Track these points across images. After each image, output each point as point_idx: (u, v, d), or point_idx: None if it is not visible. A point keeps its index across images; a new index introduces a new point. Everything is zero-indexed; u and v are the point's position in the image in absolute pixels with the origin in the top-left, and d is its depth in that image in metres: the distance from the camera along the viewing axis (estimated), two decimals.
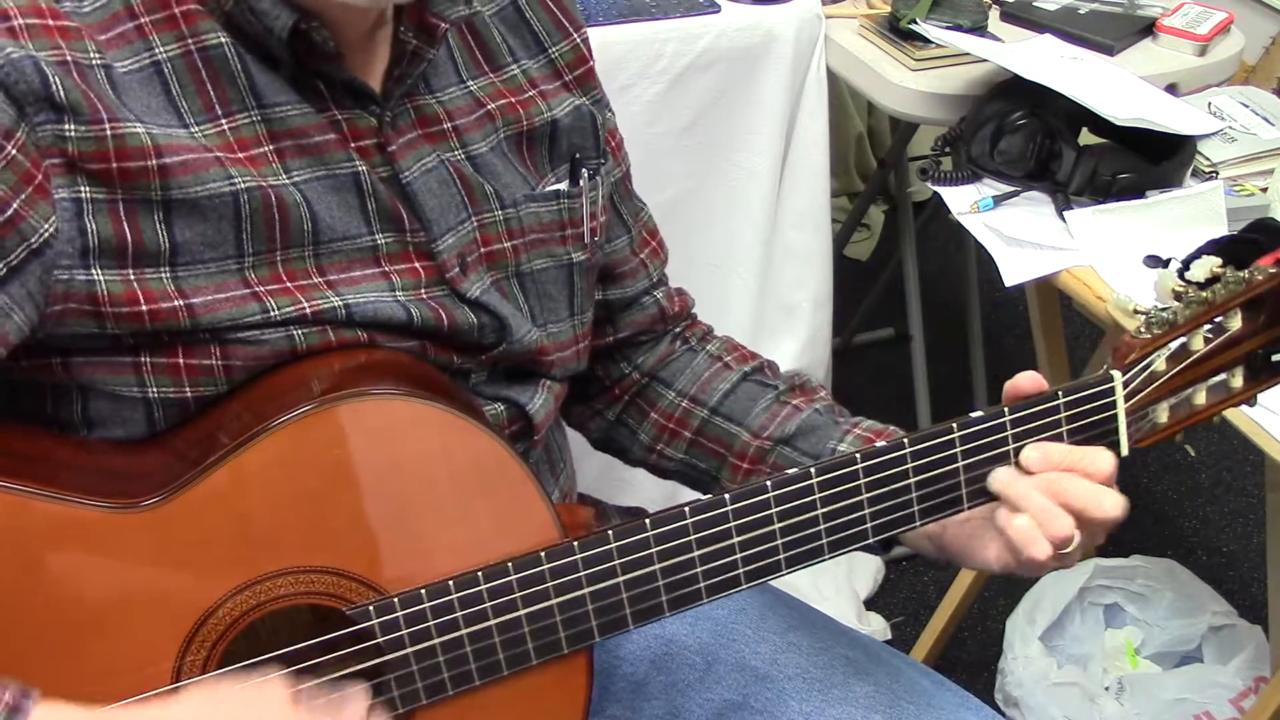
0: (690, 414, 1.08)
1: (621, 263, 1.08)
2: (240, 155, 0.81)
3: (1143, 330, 0.92)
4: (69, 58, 0.76)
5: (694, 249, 1.88)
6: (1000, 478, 0.89)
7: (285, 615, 0.82)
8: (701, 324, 1.15)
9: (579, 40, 1.00)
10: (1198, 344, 0.93)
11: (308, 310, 0.83)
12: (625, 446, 1.13)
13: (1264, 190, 1.56)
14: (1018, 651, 1.86)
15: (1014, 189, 1.59)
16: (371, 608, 0.81)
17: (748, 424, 1.06)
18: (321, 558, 0.81)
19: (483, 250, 0.92)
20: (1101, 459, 0.89)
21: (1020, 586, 2.00)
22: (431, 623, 0.82)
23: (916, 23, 1.79)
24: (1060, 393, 0.90)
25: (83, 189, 0.76)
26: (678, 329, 1.13)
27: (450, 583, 0.82)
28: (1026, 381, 0.92)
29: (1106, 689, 1.84)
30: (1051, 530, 0.86)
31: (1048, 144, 1.56)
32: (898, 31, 1.84)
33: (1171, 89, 1.74)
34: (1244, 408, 1.25)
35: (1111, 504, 0.87)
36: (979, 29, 1.83)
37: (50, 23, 0.76)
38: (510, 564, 0.83)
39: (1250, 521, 2.36)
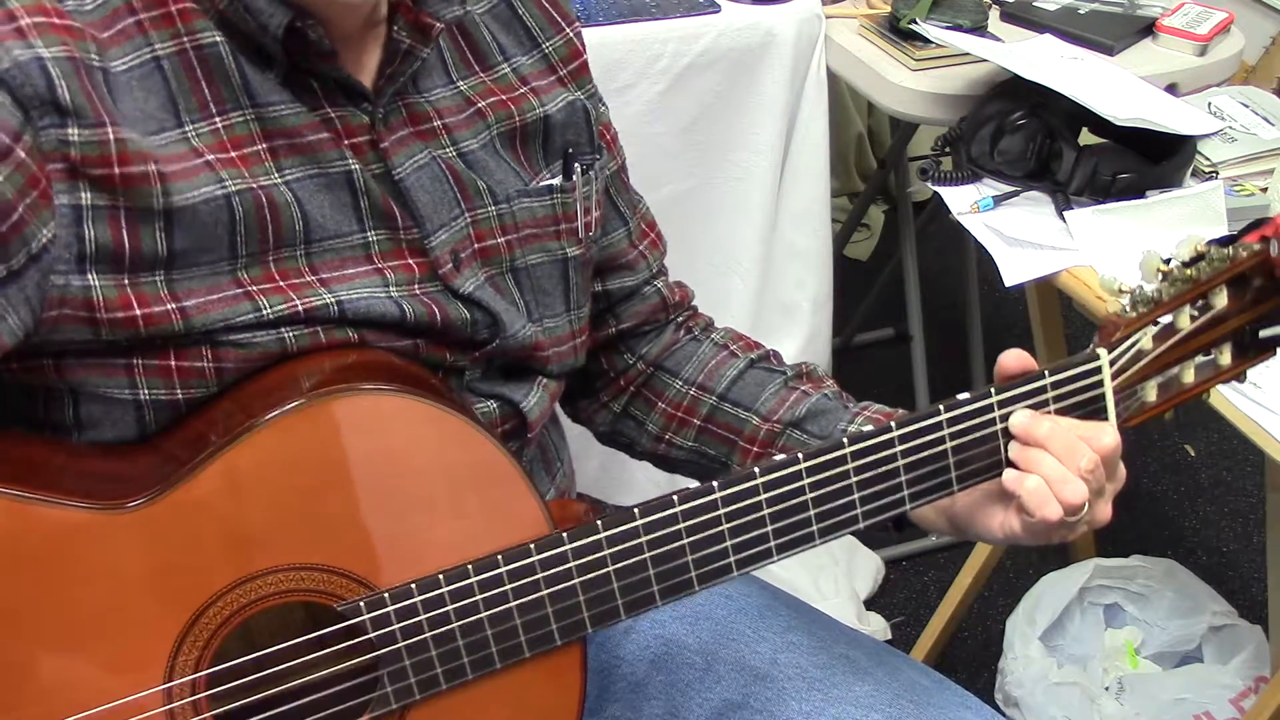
0: (699, 401, 1.08)
1: (621, 254, 1.08)
2: (233, 155, 0.81)
3: (1127, 309, 0.91)
4: (76, 55, 0.75)
5: (694, 249, 1.88)
6: (1019, 420, 0.89)
7: (277, 613, 0.82)
8: (703, 315, 1.15)
9: (571, 34, 1.00)
10: (1184, 322, 0.92)
11: (300, 308, 0.83)
12: (632, 438, 1.13)
13: (1264, 190, 1.56)
14: (1018, 651, 1.86)
15: (1014, 189, 1.59)
16: (363, 603, 0.81)
17: (757, 409, 1.06)
18: (312, 554, 0.80)
19: (476, 246, 0.92)
20: (1106, 434, 0.89)
21: (1020, 586, 2.00)
22: (423, 617, 0.82)
23: (916, 23, 1.79)
24: (1047, 372, 0.90)
25: (83, 195, 0.76)
26: (680, 318, 1.13)
27: (440, 576, 0.82)
28: (1013, 361, 0.91)
29: (1106, 689, 1.84)
30: (1064, 494, 0.86)
31: (1048, 144, 1.56)
32: (898, 31, 1.83)
33: (1171, 89, 1.73)
34: (1242, 406, 1.26)
35: (1121, 473, 0.90)
36: (979, 29, 1.83)
37: (56, 21, 0.76)
38: (500, 556, 0.83)
39: (1250, 521, 2.35)
